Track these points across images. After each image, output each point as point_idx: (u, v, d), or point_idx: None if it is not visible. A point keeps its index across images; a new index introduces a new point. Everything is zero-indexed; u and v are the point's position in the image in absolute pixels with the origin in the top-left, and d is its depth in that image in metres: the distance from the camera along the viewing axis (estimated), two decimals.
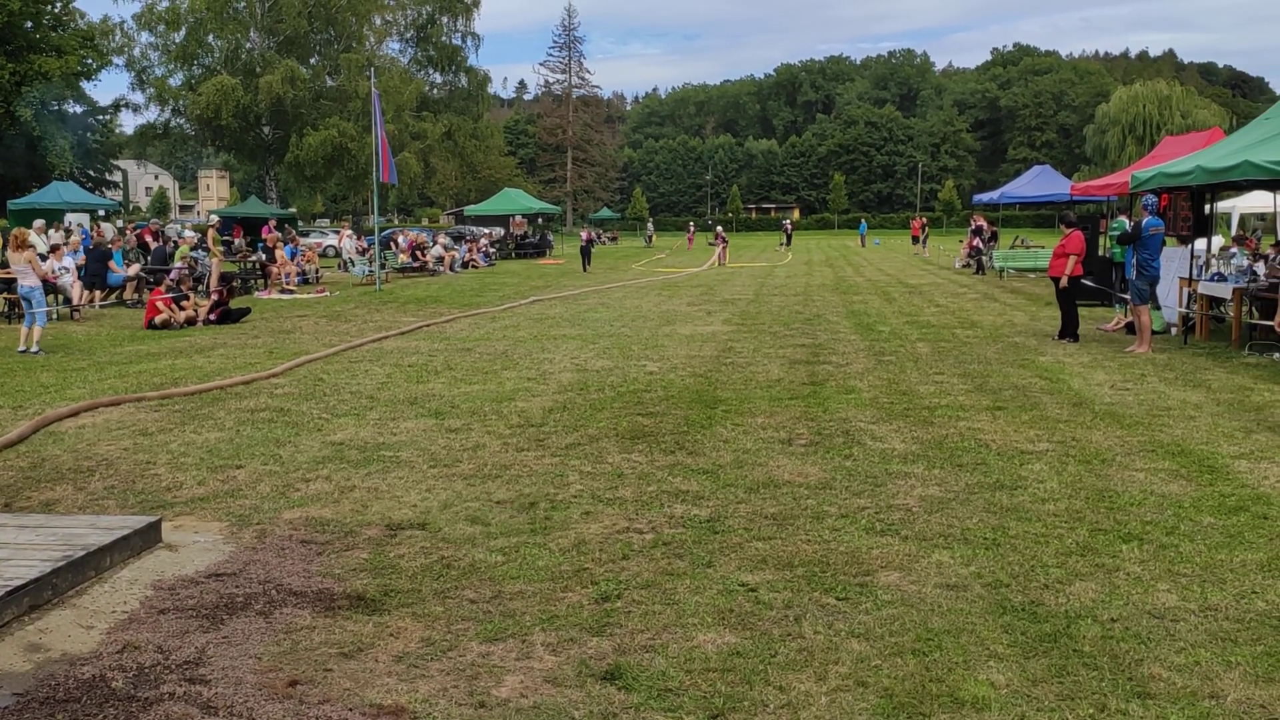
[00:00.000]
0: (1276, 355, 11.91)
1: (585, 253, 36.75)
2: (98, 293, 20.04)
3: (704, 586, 4.84)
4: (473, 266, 36.48)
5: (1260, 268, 14.11)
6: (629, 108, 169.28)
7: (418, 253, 33.72)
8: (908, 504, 6.16)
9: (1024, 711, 3.60)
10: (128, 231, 28.33)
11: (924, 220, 55.31)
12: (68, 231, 26.24)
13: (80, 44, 48.66)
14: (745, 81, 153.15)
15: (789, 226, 65.12)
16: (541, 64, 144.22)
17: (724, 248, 41.14)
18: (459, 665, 4.03)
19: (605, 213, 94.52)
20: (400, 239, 35.84)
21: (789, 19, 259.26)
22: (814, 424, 8.49)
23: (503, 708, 3.68)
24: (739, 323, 16.83)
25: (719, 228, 49.47)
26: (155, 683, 3.88)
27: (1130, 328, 14.02)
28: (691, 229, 66.76)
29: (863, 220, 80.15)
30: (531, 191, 76.10)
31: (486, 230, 47.70)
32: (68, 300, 18.54)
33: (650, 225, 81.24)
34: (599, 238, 65.77)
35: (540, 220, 57.05)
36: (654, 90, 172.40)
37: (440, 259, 34.00)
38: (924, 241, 49.64)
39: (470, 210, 56.00)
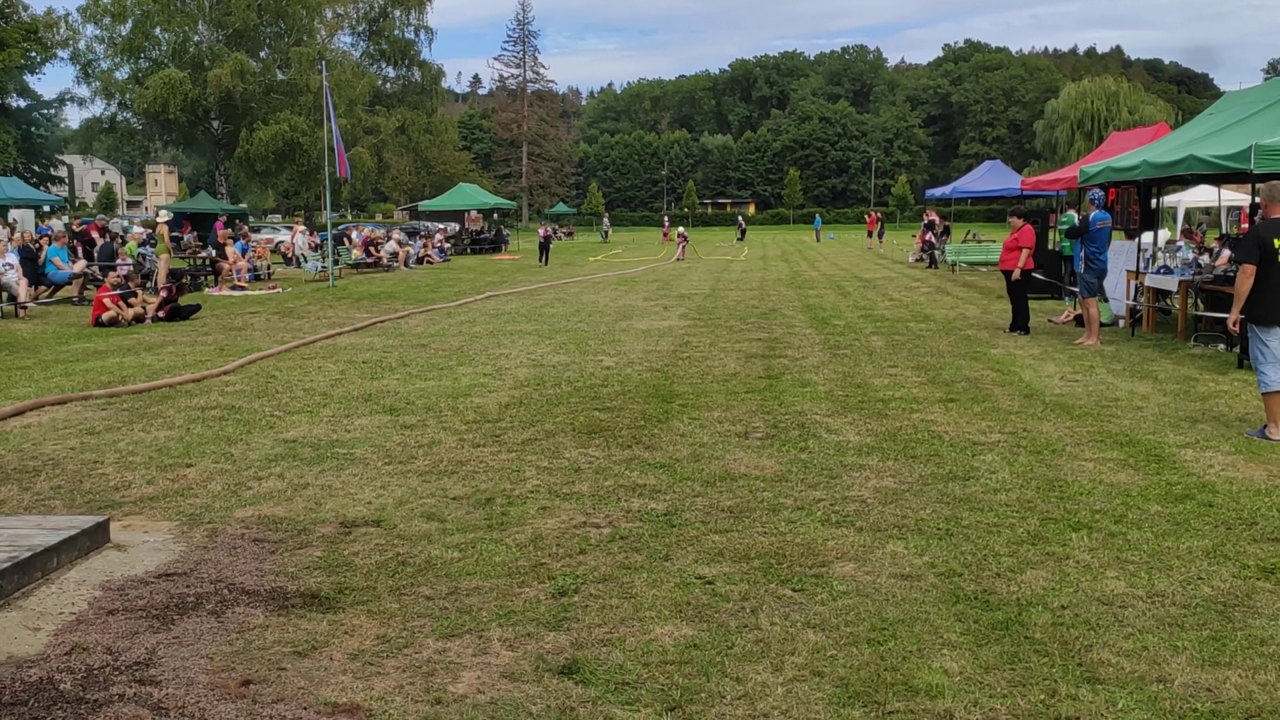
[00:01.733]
0: (1221, 346, 12.15)
1: (544, 248, 36.67)
2: (34, 289, 19.68)
3: (661, 580, 4.85)
4: (427, 262, 36.21)
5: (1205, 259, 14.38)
6: (584, 102, 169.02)
7: (371, 248, 33.41)
8: (862, 495, 6.21)
9: (977, 698, 3.65)
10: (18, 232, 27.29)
11: (878, 215, 55.77)
12: (11, 228, 25.69)
13: (24, 37, 47.70)
14: (700, 77, 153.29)
15: (743, 222, 65.39)
16: (496, 59, 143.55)
17: (684, 244, 41.70)
18: (415, 662, 4.00)
19: (561, 208, 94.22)
20: (354, 234, 35.49)
21: (744, 15, 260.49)
22: (770, 417, 8.54)
23: (459, 704, 3.66)
24: (695, 317, 16.86)
25: (680, 228, 49.71)
26: (105, 684, 3.82)
27: (1079, 320, 14.23)
28: (666, 223, 66.76)
29: (817, 215, 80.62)
30: (487, 186, 75.63)
31: (441, 225, 47.36)
32: (12, 298, 18.16)
33: (606, 220, 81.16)
34: (555, 233, 65.61)
35: (496, 215, 56.81)
36: (609, 85, 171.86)
37: (394, 254, 33.72)
38: (880, 236, 50.07)
39: (425, 205, 55.64)
